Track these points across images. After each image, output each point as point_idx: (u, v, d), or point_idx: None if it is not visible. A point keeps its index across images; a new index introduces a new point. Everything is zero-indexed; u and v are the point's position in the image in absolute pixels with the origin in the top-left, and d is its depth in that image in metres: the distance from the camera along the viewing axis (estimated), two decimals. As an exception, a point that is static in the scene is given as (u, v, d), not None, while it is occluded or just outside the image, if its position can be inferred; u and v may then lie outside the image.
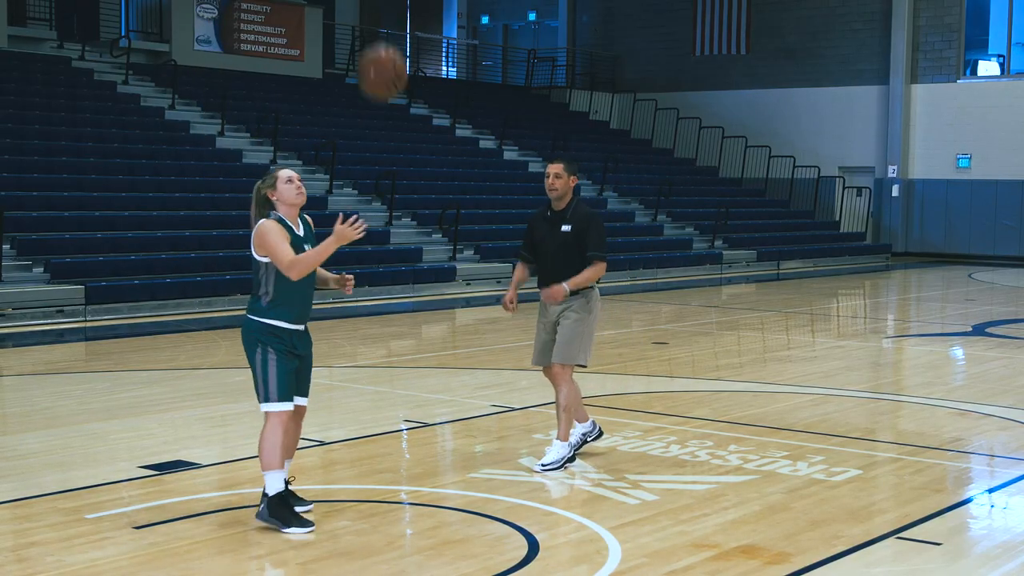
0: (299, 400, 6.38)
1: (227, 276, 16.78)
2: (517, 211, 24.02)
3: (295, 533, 6.02)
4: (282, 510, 6.08)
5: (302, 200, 6.34)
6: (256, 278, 6.30)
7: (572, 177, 7.48)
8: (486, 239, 21.86)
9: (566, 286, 7.35)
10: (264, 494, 6.11)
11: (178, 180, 19.51)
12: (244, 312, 6.37)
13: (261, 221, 6.24)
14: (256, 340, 6.24)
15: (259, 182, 6.35)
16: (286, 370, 6.21)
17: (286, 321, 6.25)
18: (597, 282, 7.53)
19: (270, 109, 22.94)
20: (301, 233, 6.36)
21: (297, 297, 6.30)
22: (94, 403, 9.76)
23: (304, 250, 6.28)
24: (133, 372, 11.40)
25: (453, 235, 20.97)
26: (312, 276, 6.39)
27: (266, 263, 6.22)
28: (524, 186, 25.93)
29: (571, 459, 7.51)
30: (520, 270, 7.84)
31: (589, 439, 7.85)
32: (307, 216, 6.55)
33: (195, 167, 20.49)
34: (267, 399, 6.19)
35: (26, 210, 16.81)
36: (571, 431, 7.62)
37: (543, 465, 7.39)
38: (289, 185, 6.28)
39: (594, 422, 7.91)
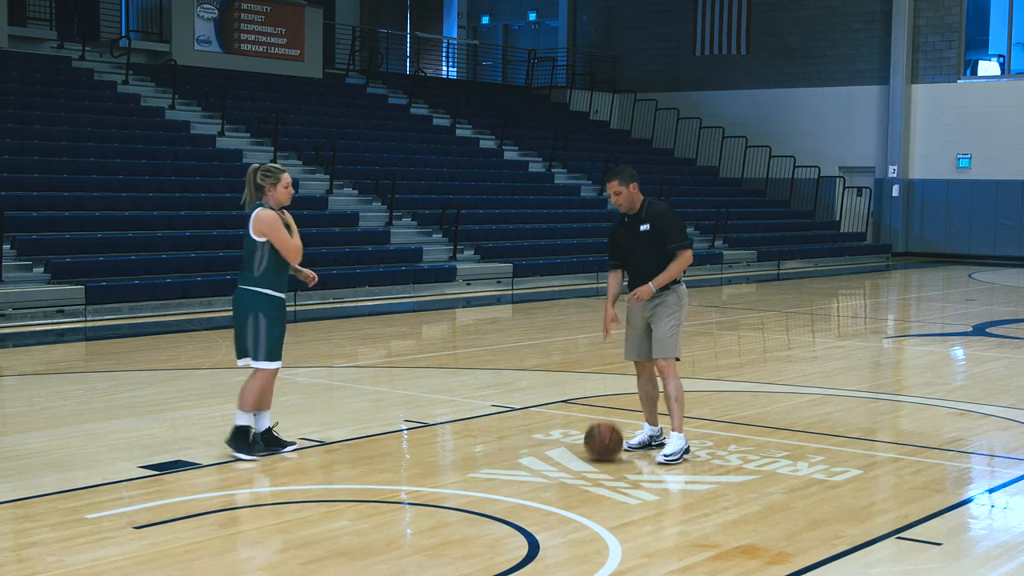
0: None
1: (227, 276, 16.75)
2: (517, 211, 24.04)
3: (244, 458, 7.52)
4: (241, 439, 7.64)
5: (289, 203, 7.71)
6: (249, 255, 7.65)
7: (632, 184, 7.76)
8: (486, 239, 21.86)
9: (652, 285, 7.62)
10: (236, 426, 7.65)
11: (178, 180, 19.52)
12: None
13: (264, 210, 7.56)
14: (250, 307, 7.64)
15: (258, 169, 7.62)
16: (276, 334, 7.65)
17: (277, 291, 7.67)
18: (683, 276, 7.80)
19: (270, 109, 22.94)
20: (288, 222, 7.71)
21: (283, 271, 7.67)
22: (94, 403, 9.77)
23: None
24: (133, 372, 11.40)
25: (453, 235, 20.97)
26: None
27: (262, 243, 7.55)
28: (524, 186, 25.93)
29: (687, 449, 7.71)
30: (614, 279, 8.03)
31: (654, 442, 7.97)
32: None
33: (195, 167, 20.49)
34: (258, 357, 7.64)
35: (26, 210, 16.81)
36: (639, 432, 8.01)
37: (666, 456, 7.58)
38: (286, 191, 7.63)
39: (662, 429, 8.03)
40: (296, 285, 17.45)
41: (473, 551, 5.85)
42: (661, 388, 7.94)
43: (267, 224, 7.55)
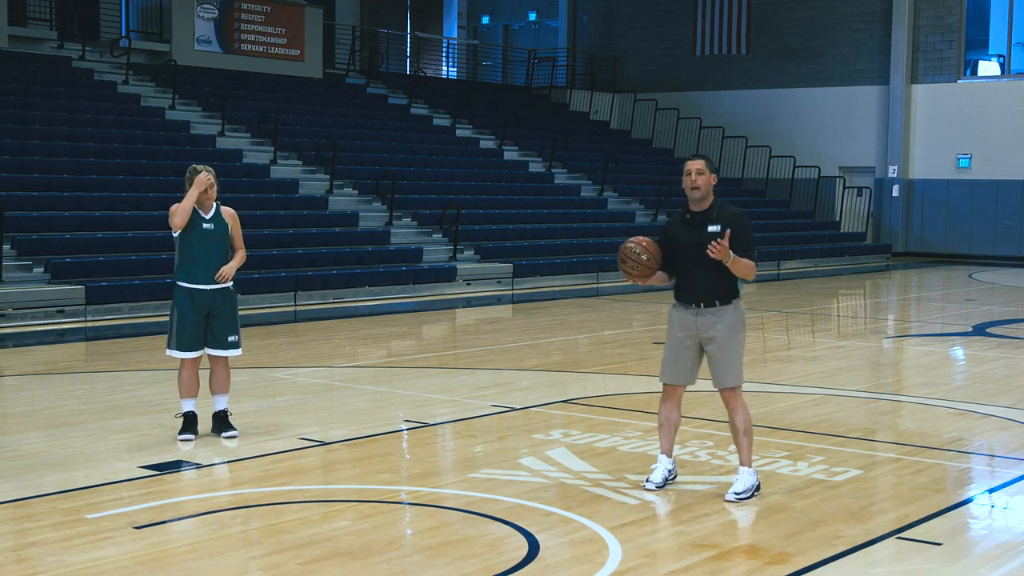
0: (213, 352, 8.26)
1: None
2: (517, 211, 24.03)
3: (181, 438, 8.16)
4: (185, 424, 8.26)
5: (210, 200, 8.19)
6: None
7: (713, 175, 6.88)
8: (486, 239, 21.86)
9: (732, 254, 6.70)
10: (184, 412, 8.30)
11: (178, 180, 19.42)
12: None
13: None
14: (173, 298, 8.24)
15: (188, 169, 8.24)
16: (179, 325, 8.14)
17: (187, 282, 8.15)
18: (742, 289, 7.01)
19: (270, 109, 22.94)
20: (207, 216, 8.18)
21: (191, 261, 8.12)
22: (94, 403, 9.77)
23: (203, 229, 8.13)
24: (134, 372, 11.40)
25: (453, 235, 20.97)
26: (208, 247, 8.12)
27: (175, 237, 8.15)
28: (524, 186, 25.93)
29: (758, 486, 6.91)
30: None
31: (672, 476, 7.14)
32: (228, 208, 8.33)
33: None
34: (167, 347, 8.29)
35: (26, 210, 16.81)
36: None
37: (737, 494, 6.80)
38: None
39: (675, 461, 7.23)
40: (295, 285, 17.51)
41: (473, 551, 5.85)
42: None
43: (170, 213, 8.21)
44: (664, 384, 7.11)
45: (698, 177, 6.83)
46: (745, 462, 6.89)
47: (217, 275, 8.15)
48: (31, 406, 9.65)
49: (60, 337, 13.92)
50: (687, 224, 6.93)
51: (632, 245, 6.90)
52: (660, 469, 7.07)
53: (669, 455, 7.12)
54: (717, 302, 6.90)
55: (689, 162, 6.90)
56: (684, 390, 7.13)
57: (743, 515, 6.55)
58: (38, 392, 10.32)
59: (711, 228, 6.79)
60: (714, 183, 6.89)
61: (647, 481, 7.07)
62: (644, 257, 6.86)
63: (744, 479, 6.86)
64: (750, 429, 6.93)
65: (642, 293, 20.45)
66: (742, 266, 6.79)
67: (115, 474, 7.27)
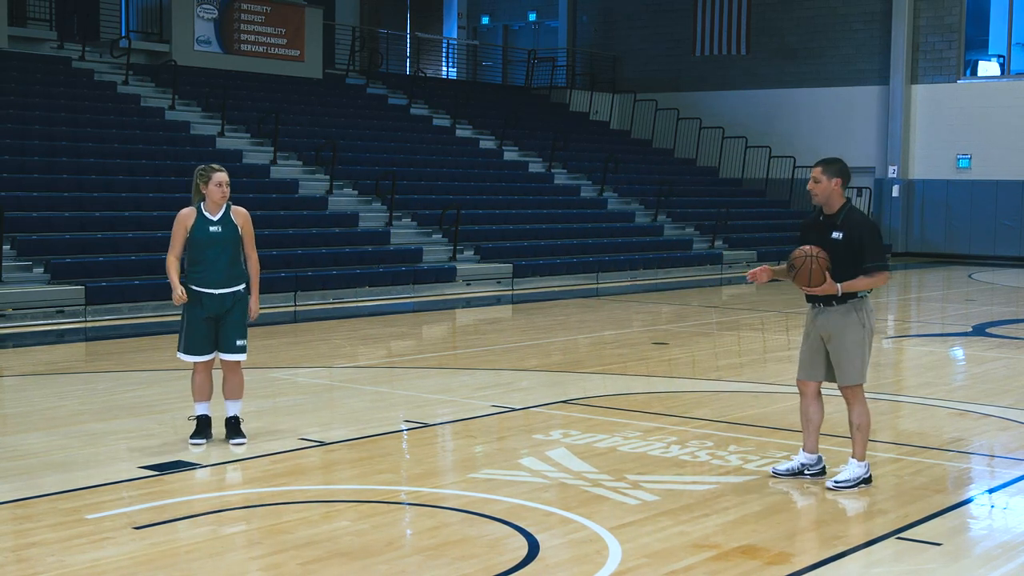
0: (221, 355, 8.12)
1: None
2: (517, 211, 24.04)
3: (192, 441, 8.05)
4: (198, 427, 8.13)
5: (224, 201, 8.08)
6: None
7: (835, 179, 7.02)
8: (486, 239, 21.86)
9: (839, 286, 6.95)
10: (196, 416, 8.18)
11: (178, 180, 19.50)
12: None
13: (182, 210, 8.10)
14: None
15: (199, 169, 8.14)
16: (194, 328, 8.05)
17: (196, 285, 8.01)
18: (868, 292, 7.11)
19: (270, 109, 22.94)
20: (215, 218, 8.06)
21: (199, 264, 8.00)
22: (94, 403, 9.77)
23: (210, 232, 7.97)
24: (134, 372, 11.40)
25: (453, 235, 20.97)
26: (216, 251, 7.98)
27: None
28: (524, 186, 25.92)
29: (868, 479, 7.12)
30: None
31: (808, 472, 7.30)
32: (240, 209, 8.20)
33: (195, 168, 20.44)
34: (178, 350, 8.20)
35: (26, 210, 16.81)
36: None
37: (836, 482, 7.04)
38: (217, 188, 8.07)
39: (820, 458, 7.37)
40: (295, 285, 17.52)
41: (473, 551, 5.85)
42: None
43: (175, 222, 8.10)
44: (797, 381, 7.37)
45: (813, 185, 7.10)
46: (857, 456, 7.11)
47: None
48: (31, 406, 9.65)
49: (60, 337, 13.92)
50: (817, 226, 7.16)
51: (808, 249, 7.05)
52: (793, 461, 7.35)
53: (809, 451, 7.31)
54: (835, 301, 7.08)
55: (813, 168, 7.15)
56: (818, 386, 7.27)
57: (743, 515, 6.55)
58: (38, 392, 10.32)
59: (835, 235, 6.99)
60: (837, 186, 7.05)
61: (773, 469, 7.36)
62: (822, 260, 7.00)
63: (851, 469, 7.09)
64: (864, 425, 7.11)
65: (642, 294, 20.45)
66: (863, 284, 6.98)
67: (115, 474, 7.27)
